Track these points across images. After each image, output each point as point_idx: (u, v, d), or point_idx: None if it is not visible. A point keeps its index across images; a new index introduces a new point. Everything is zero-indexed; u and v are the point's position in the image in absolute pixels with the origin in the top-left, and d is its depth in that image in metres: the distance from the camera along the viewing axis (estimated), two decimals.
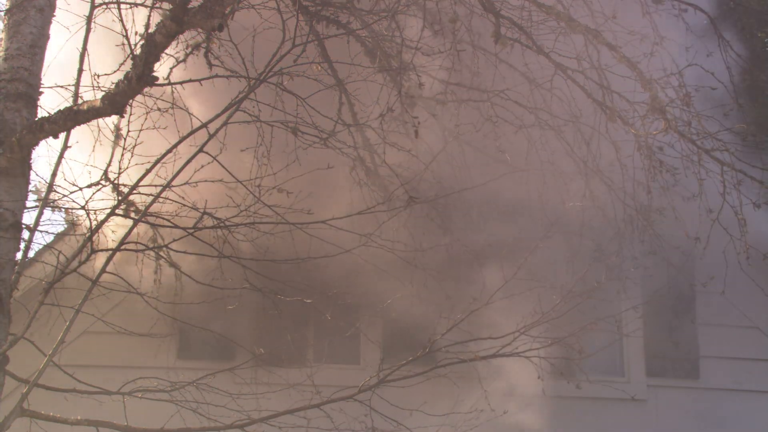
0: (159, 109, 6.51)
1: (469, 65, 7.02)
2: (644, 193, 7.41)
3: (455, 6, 6.05)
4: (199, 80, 5.88)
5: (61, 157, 5.42)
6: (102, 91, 5.45)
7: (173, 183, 5.70)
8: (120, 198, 6.04)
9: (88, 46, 5.46)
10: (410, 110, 6.56)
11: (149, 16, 6.04)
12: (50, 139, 5.29)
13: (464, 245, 7.79)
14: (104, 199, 6.23)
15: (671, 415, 8.56)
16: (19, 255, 5.21)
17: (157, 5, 5.78)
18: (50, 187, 5.40)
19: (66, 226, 7.25)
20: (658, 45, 6.58)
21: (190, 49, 6.87)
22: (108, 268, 5.41)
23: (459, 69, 6.80)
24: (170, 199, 5.99)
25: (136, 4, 6.30)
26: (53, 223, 6.43)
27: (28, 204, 5.35)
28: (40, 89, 5.52)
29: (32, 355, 5.52)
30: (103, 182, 6.17)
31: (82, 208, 5.85)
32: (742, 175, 6.16)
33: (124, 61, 6.24)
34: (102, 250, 5.56)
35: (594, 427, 8.46)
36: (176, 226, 5.97)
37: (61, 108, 5.18)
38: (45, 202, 5.37)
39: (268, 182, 6.36)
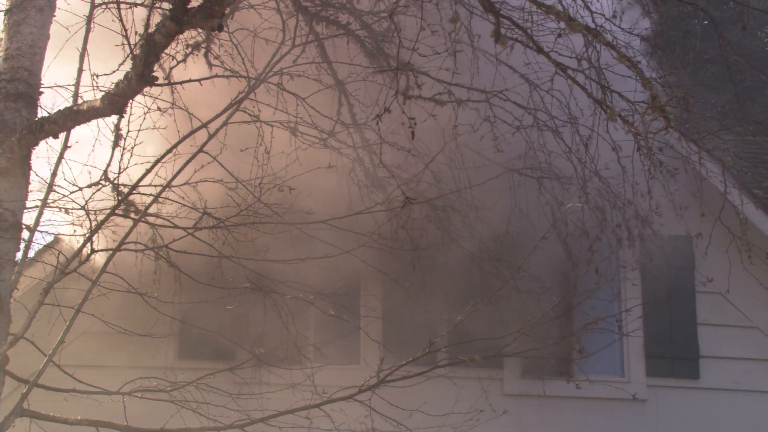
0: (159, 109, 6.51)
1: (468, 66, 7.02)
2: (643, 194, 7.42)
3: (455, 6, 6.05)
4: (199, 80, 5.89)
5: (61, 157, 5.41)
6: (102, 91, 5.45)
7: (173, 183, 5.71)
8: (120, 198, 6.04)
9: (88, 46, 5.46)
10: (408, 111, 6.55)
11: (149, 16, 6.03)
12: (50, 139, 5.29)
13: (462, 246, 7.79)
14: (104, 199, 6.22)
15: (671, 415, 8.57)
16: (19, 255, 5.21)
17: (157, 5, 5.78)
18: (50, 187, 5.40)
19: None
20: (658, 45, 6.59)
21: (190, 49, 6.88)
22: (108, 268, 5.42)
23: (459, 71, 6.80)
24: (170, 199, 5.99)
25: (136, 4, 6.30)
26: (53, 223, 6.41)
27: (28, 204, 5.35)
28: (40, 89, 5.52)
29: (32, 355, 5.52)
30: (103, 182, 6.17)
31: (82, 208, 5.85)
32: (743, 174, 6.16)
33: (124, 61, 6.24)
34: (102, 250, 5.57)
35: (594, 427, 8.46)
36: (176, 226, 5.97)
37: (61, 108, 5.18)
38: (45, 202, 5.36)
39: (268, 182, 6.37)
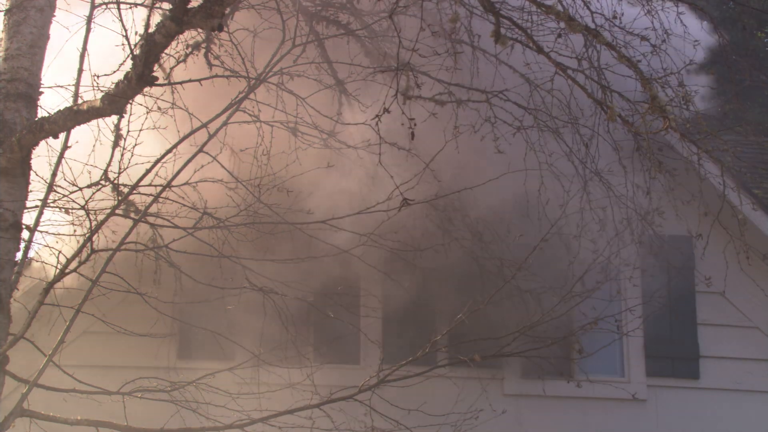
0: (159, 109, 6.51)
1: (468, 66, 7.02)
2: (643, 194, 7.41)
3: (455, 6, 6.05)
4: (199, 80, 5.89)
5: (61, 157, 5.41)
6: (102, 91, 5.45)
7: (173, 183, 5.70)
8: (120, 198, 6.04)
9: (88, 46, 5.46)
10: (408, 111, 6.55)
11: (149, 16, 6.04)
12: (50, 139, 5.29)
13: (463, 246, 7.79)
14: (104, 199, 6.22)
15: (671, 415, 8.57)
16: (19, 255, 5.21)
17: (157, 5, 5.78)
18: (50, 187, 5.39)
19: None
20: (658, 46, 6.59)
21: (190, 49, 6.88)
22: (108, 268, 5.41)
23: (459, 69, 6.80)
24: (170, 199, 5.99)
25: (136, 4, 6.30)
26: (53, 223, 6.41)
27: (28, 204, 5.35)
28: (40, 89, 5.52)
29: (32, 355, 5.52)
30: (103, 182, 6.17)
31: (82, 208, 5.85)
32: (742, 174, 6.15)
33: (124, 61, 6.25)
34: (102, 250, 5.56)
35: (594, 427, 8.46)
36: (176, 226, 5.97)
37: (61, 108, 5.18)
38: (45, 202, 5.36)
39: (267, 182, 6.37)
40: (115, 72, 6.20)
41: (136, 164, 5.91)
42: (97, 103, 4.95)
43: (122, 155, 5.89)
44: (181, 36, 5.43)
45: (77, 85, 5.47)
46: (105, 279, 5.49)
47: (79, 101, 5.37)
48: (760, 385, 8.71)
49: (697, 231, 7.03)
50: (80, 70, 5.45)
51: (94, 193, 6.08)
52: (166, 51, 5.57)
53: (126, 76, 4.75)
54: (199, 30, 6.37)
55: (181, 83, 6.19)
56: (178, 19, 4.41)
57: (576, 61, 6.24)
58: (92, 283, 5.31)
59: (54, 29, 5.66)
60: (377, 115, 4.81)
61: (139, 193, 5.86)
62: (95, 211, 5.87)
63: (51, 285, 5.19)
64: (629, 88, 6.02)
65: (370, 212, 6.16)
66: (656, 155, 6.98)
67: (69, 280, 5.44)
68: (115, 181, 6.14)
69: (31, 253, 5.68)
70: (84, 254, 5.37)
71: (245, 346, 7.13)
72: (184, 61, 6.82)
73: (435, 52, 5.96)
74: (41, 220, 5.39)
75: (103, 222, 5.53)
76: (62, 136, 5.31)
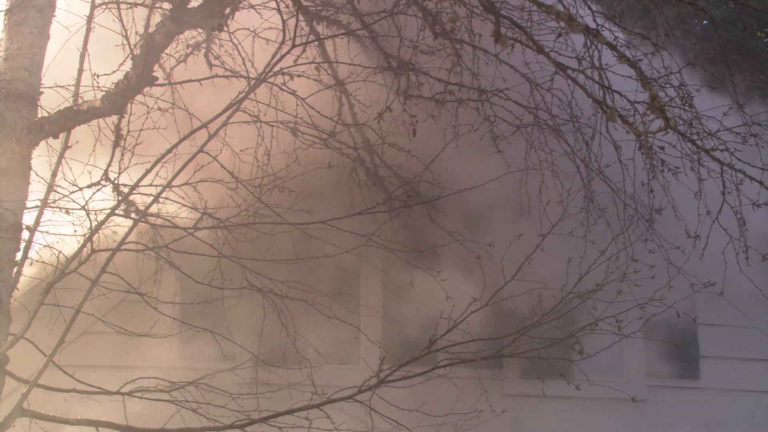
0: (159, 109, 6.52)
1: (468, 65, 7.02)
2: (645, 194, 7.41)
3: (455, 6, 6.05)
4: (199, 80, 5.89)
5: (61, 157, 5.41)
6: (102, 91, 5.46)
7: (173, 183, 5.71)
8: (120, 198, 6.04)
9: (88, 46, 5.46)
10: (409, 110, 6.56)
11: (149, 16, 6.03)
12: (50, 139, 5.29)
13: (464, 246, 7.78)
14: (104, 199, 6.22)
15: (671, 415, 8.57)
16: (19, 255, 5.21)
17: (157, 5, 5.78)
18: (50, 187, 5.40)
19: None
20: (659, 45, 6.58)
21: (190, 49, 6.88)
22: (108, 268, 5.41)
23: (459, 71, 6.80)
24: (170, 199, 5.99)
25: (136, 4, 6.30)
26: (53, 223, 6.41)
27: (28, 204, 5.35)
28: (40, 89, 5.52)
29: (32, 355, 5.51)
30: (103, 182, 6.17)
31: (82, 208, 5.85)
32: (742, 174, 6.15)
33: (124, 61, 6.24)
34: (102, 250, 5.56)
35: (594, 427, 8.46)
36: (176, 226, 5.97)
37: (61, 108, 5.18)
38: (45, 202, 5.36)
39: (268, 182, 6.37)
40: (115, 72, 6.20)
41: (136, 164, 5.91)
42: (97, 103, 4.96)
43: (122, 155, 5.89)
44: (181, 36, 5.44)
45: (77, 85, 5.47)
46: (105, 279, 5.49)
47: (79, 101, 5.37)
48: (760, 385, 8.71)
49: (697, 231, 7.03)
50: (80, 70, 5.45)
51: (94, 193, 6.07)
52: (166, 51, 5.58)
53: (126, 76, 4.76)
54: (199, 30, 6.37)
55: (181, 83, 6.19)
56: (178, 19, 4.42)
57: (576, 60, 6.23)
58: (92, 283, 5.31)
59: (54, 29, 5.66)
60: (379, 113, 4.80)
61: (139, 193, 5.86)
62: (95, 211, 5.87)
63: (51, 285, 5.19)
64: (629, 87, 6.01)
65: (371, 212, 6.17)
66: (657, 154, 6.99)
67: (69, 280, 5.44)
68: (115, 181, 6.13)
69: (31, 253, 5.68)
70: (84, 254, 5.37)
71: (245, 346, 7.13)
72: (184, 61, 6.82)
73: (435, 48, 5.95)
74: (41, 220, 5.39)
75: (103, 222, 5.53)
76: (62, 136, 5.31)
